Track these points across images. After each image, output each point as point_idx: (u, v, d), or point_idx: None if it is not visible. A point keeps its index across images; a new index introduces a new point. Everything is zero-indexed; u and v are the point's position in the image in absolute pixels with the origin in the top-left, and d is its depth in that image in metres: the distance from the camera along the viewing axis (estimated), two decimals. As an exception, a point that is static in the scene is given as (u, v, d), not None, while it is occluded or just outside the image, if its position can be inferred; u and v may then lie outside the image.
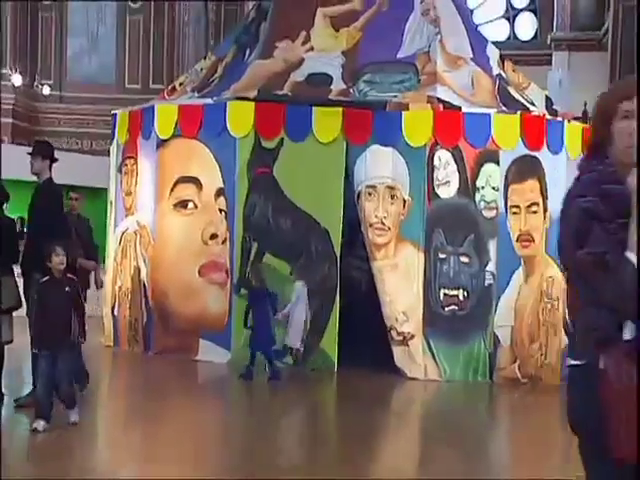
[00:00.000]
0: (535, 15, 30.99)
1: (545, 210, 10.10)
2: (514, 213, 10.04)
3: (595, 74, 24.85)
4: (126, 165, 11.53)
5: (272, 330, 9.64)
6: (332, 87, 10.77)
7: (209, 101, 10.85)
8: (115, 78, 27.58)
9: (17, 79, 26.07)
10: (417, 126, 10.05)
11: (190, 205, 10.59)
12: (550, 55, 28.66)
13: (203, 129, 10.56)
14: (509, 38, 30.45)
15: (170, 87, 12.95)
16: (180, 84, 12.73)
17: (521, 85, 11.72)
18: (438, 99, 10.27)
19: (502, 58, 11.98)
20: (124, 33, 28.18)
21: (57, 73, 28.97)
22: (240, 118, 10.42)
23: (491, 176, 10.03)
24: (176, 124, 10.71)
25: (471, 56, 11.25)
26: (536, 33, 31.20)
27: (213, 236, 10.41)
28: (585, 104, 17.74)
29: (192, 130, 10.69)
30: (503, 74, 11.51)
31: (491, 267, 9.99)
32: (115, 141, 11.90)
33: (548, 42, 28.58)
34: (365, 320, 10.11)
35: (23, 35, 27.92)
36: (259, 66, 11.33)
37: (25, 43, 28.13)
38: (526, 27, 31.19)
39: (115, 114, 11.99)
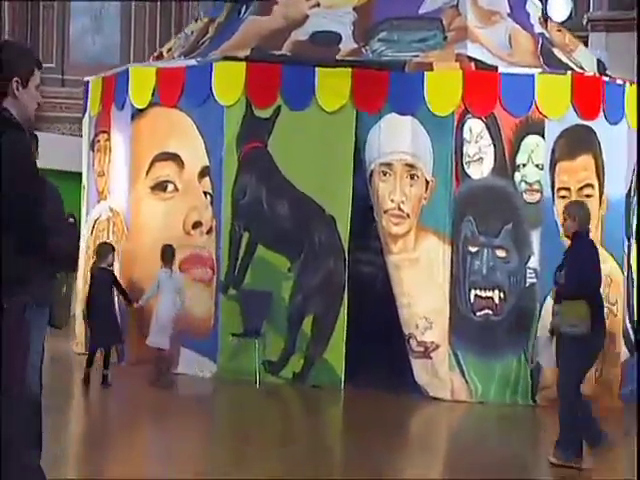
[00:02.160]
0: (570, -6, 29.06)
1: (601, 193, 8.73)
2: (563, 197, 8.55)
3: (635, 55, 23.10)
4: (99, 141, 10.19)
5: (118, 322, 8.63)
6: (340, 47, 9.25)
7: (192, 62, 9.19)
8: (120, 59, 25.86)
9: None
10: (443, 90, 8.57)
11: (169, 187, 9.29)
12: (586, 37, 26.75)
13: (185, 96, 9.17)
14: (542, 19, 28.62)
15: (156, 54, 11.45)
16: (168, 50, 11.05)
17: (568, 47, 10.03)
18: (469, 57, 8.72)
19: (545, 16, 10.17)
20: (129, 12, 26.62)
21: (59, 55, 27.36)
22: (228, 82, 9.00)
23: (534, 151, 8.60)
24: (154, 91, 9.35)
25: (508, 11, 9.67)
26: (571, 13, 29.21)
27: (196, 224, 9.12)
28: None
29: (172, 97, 9.26)
30: (546, 34, 9.82)
31: (533, 263, 8.55)
32: (87, 113, 10.42)
33: (584, 23, 26.68)
34: (378, 326, 8.75)
35: (23, 17, 26.46)
36: (254, 23, 9.80)
37: (25, 26, 26.69)
38: (560, 7, 29.24)
39: (87, 81, 10.34)
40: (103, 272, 8.46)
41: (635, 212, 8.74)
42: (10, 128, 3.26)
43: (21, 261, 3.22)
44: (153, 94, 9.30)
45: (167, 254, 8.56)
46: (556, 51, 9.57)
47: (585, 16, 27.07)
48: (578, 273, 6.14)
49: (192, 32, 10.93)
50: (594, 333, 6.06)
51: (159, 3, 26.23)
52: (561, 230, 8.28)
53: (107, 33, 27.08)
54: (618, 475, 6.34)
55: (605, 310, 6.83)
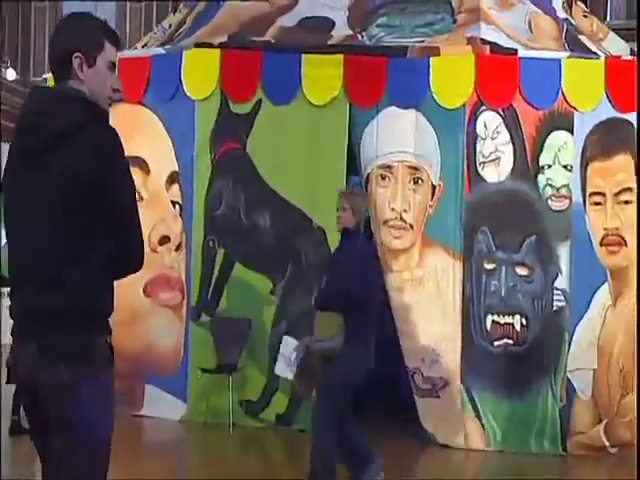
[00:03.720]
0: (585, 3, 27.80)
1: (642, 198, 7.44)
2: (596, 203, 7.35)
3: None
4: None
5: None
6: (333, 33, 8.04)
7: (159, 51, 8.01)
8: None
9: (10, 74, 23.90)
10: (452, 78, 7.37)
11: None
12: (603, 45, 25.47)
13: (150, 90, 8.01)
14: (558, 29, 27.43)
15: (131, 49, 10.04)
16: (143, 46, 9.77)
17: (596, 35, 8.73)
18: (482, 40, 7.47)
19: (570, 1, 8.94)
20: (124, 12, 25.90)
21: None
22: (201, 73, 7.83)
23: (561, 150, 7.37)
24: None
25: (527, -7, 8.44)
26: (588, 23, 27.99)
27: (164, 240, 7.91)
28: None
29: (135, 92, 8.04)
30: (571, 19, 8.59)
31: (562, 283, 7.30)
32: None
33: (602, 32, 25.41)
34: (377, 359, 7.01)
35: (14, 21, 25.91)
36: (235, 8, 8.59)
37: (16, 28, 26.19)
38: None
39: (45, 78, 9.20)
40: None
41: None
42: (97, 118, 2.70)
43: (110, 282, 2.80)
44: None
45: None
46: (583, 38, 8.28)
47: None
48: (337, 279, 5.14)
49: (170, 25, 9.72)
50: (351, 352, 5.12)
51: (155, 3, 25.44)
52: (595, 243, 7.23)
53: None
54: None
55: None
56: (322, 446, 5.33)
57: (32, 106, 2.76)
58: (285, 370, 5.58)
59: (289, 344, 5.57)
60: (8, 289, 3.10)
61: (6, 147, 2.92)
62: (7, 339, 3.12)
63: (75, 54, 2.72)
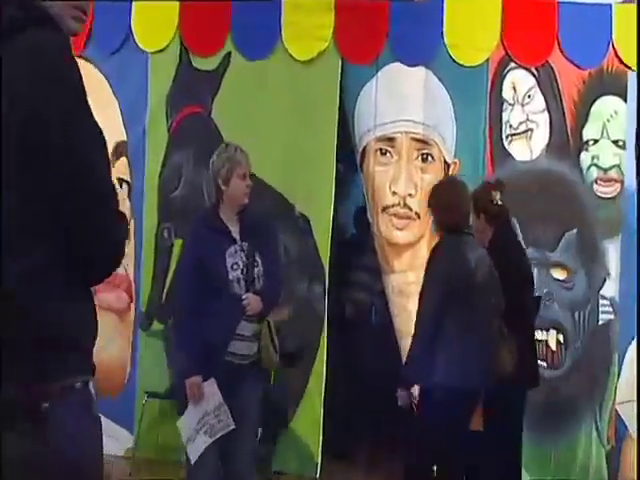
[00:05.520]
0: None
1: None
2: None
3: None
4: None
5: None
6: None
7: None
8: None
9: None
10: (472, 27, 6.29)
11: None
12: None
13: (93, 40, 6.85)
14: None
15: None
16: None
17: None
18: None
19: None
20: None
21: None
22: (155, 18, 6.75)
23: (610, 120, 6.35)
24: None
25: None
26: None
27: None
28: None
29: (75, 43, 6.56)
30: None
31: (610, 289, 6.32)
32: None
33: None
34: (373, 382, 6.60)
35: None
36: None
37: None
38: None
39: None
40: None
41: None
42: (37, 23, 1.94)
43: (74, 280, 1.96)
44: (50, 39, 6.88)
45: None
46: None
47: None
48: None
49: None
50: None
51: None
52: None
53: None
54: None
55: None
56: None
57: None
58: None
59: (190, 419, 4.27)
60: None
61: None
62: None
63: None
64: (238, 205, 4.31)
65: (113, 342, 6.70)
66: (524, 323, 4.88)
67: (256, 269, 4.24)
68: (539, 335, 6.09)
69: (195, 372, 4.12)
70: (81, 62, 6.02)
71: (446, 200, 4.69)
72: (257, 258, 4.25)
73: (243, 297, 4.15)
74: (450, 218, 4.63)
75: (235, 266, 4.21)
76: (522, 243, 5.39)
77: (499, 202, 4.93)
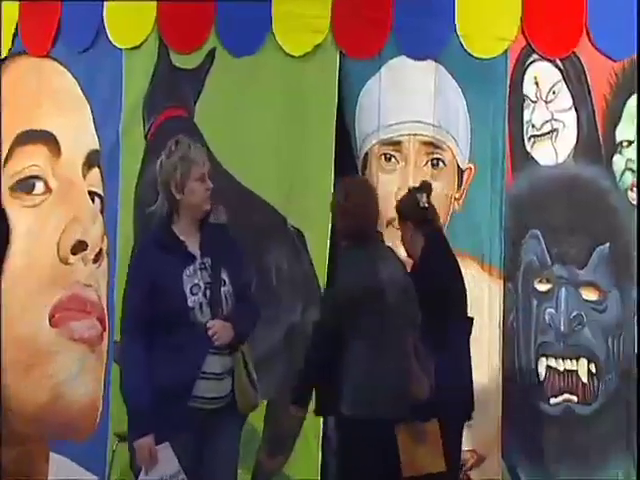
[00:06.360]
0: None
1: None
2: None
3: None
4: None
5: None
6: None
7: None
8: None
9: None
10: (488, 14, 5.82)
11: (38, 186, 6.85)
12: None
13: (62, 37, 6.56)
14: None
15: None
16: None
17: None
18: None
19: None
20: None
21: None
22: (131, 13, 6.37)
23: None
24: (15, 32, 6.78)
25: None
26: None
27: (78, 246, 6.53)
28: None
29: (42, 40, 6.61)
30: None
31: None
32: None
33: None
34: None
35: None
36: None
37: None
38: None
39: None
40: None
41: None
42: None
43: None
44: (14, 37, 6.64)
45: None
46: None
47: None
48: None
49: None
50: None
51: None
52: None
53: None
54: None
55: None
56: None
57: None
58: None
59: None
60: None
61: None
62: None
63: None
64: (199, 213, 3.58)
65: (83, 377, 6.30)
66: (453, 344, 4.53)
67: (223, 289, 3.48)
68: (569, 365, 5.56)
69: (145, 429, 3.36)
70: (48, 62, 5.60)
71: (351, 203, 4.21)
72: (223, 276, 3.50)
73: (208, 325, 3.40)
74: (354, 224, 4.16)
75: (195, 289, 3.44)
76: (454, 254, 4.88)
77: (425, 205, 4.48)
